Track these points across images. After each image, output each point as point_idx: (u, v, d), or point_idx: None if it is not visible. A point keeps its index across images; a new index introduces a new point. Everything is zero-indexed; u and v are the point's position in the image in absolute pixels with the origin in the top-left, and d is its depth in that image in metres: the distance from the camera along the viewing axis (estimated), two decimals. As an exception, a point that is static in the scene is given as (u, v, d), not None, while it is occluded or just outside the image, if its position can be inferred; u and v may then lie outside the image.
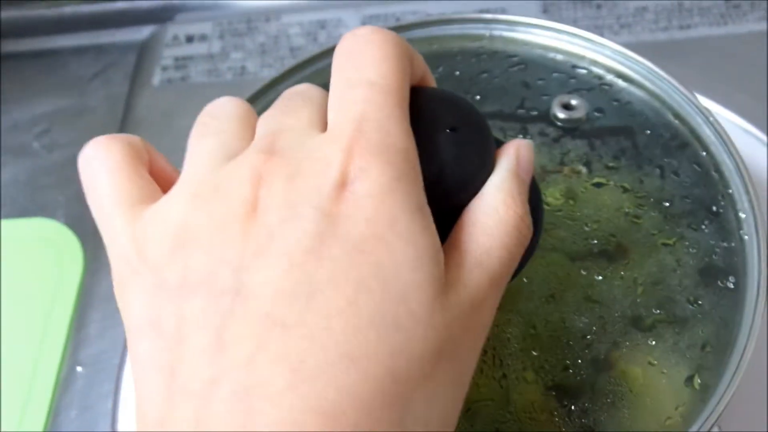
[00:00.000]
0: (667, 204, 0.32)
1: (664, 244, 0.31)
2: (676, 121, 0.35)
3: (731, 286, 0.30)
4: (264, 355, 0.21)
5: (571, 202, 0.33)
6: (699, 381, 0.28)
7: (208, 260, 0.22)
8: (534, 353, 0.29)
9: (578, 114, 0.35)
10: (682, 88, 0.35)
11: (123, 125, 0.56)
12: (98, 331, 0.46)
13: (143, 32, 0.62)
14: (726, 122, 0.34)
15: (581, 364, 0.29)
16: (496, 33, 0.38)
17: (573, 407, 0.28)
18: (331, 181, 0.22)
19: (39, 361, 0.46)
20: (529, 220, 0.25)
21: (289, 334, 0.21)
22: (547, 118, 0.35)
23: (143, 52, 0.61)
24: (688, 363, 0.29)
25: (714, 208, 0.32)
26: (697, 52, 0.54)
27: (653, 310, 0.30)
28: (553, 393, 0.28)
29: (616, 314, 0.30)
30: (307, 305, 0.21)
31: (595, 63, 0.37)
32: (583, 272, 0.31)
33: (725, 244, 0.31)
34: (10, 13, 0.63)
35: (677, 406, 0.28)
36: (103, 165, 0.25)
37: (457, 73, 0.37)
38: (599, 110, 0.35)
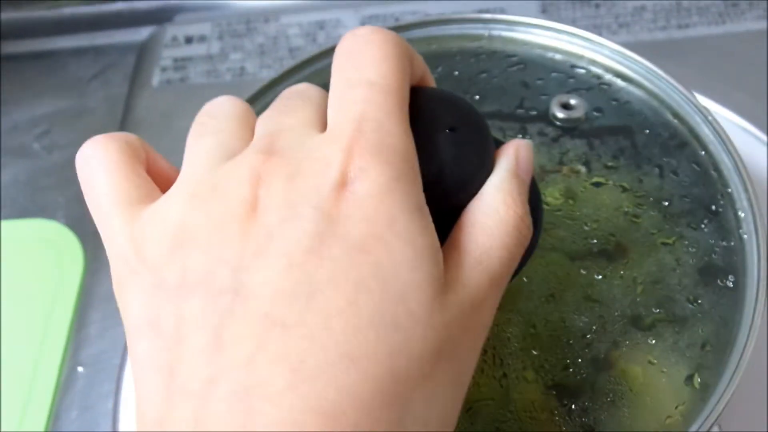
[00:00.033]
0: (667, 203, 0.32)
1: (664, 244, 0.31)
2: (675, 121, 0.35)
3: (731, 285, 0.30)
4: (263, 355, 0.21)
5: (571, 201, 0.33)
6: (699, 380, 0.28)
7: (207, 260, 0.22)
8: (534, 352, 0.29)
9: (577, 113, 0.35)
10: (680, 88, 0.35)
11: (122, 126, 0.56)
12: (99, 332, 0.46)
13: (142, 33, 0.62)
14: (725, 121, 0.34)
15: (581, 364, 0.29)
16: (495, 33, 0.38)
17: (573, 406, 0.28)
18: (330, 181, 0.22)
19: (40, 361, 0.46)
20: (529, 220, 0.25)
21: (289, 334, 0.21)
22: (546, 117, 0.35)
23: (142, 53, 0.61)
24: (688, 362, 0.29)
25: (713, 207, 0.32)
26: (695, 52, 0.54)
27: (653, 310, 0.30)
28: (554, 392, 0.28)
29: (616, 313, 0.30)
30: (307, 305, 0.21)
31: (594, 62, 0.37)
32: (583, 271, 0.31)
33: (725, 243, 0.31)
34: (9, 15, 0.63)
35: (677, 405, 0.28)
36: (100, 164, 0.25)
37: (456, 73, 0.37)
38: (598, 110, 0.35)
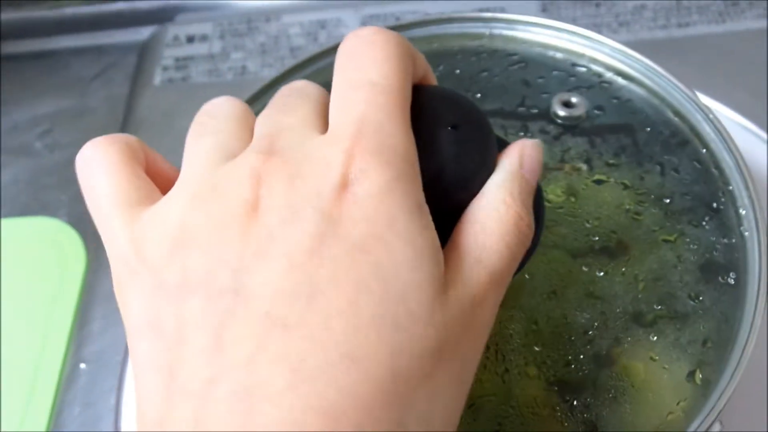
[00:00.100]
0: (668, 201, 0.33)
1: (665, 241, 0.32)
2: (676, 119, 0.35)
3: (732, 282, 0.30)
4: (264, 355, 0.21)
5: (572, 199, 0.33)
6: (700, 376, 0.29)
7: (208, 260, 0.22)
8: (536, 349, 0.29)
9: (578, 112, 0.35)
10: (681, 86, 0.35)
11: (124, 125, 0.56)
12: (101, 329, 0.46)
13: (144, 33, 0.62)
14: (725, 119, 0.34)
15: (583, 360, 0.29)
16: (496, 32, 0.38)
17: (575, 402, 0.28)
18: (331, 182, 0.22)
19: (42, 358, 0.46)
20: (529, 218, 0.25)
21: (290, 334, 0.21)
22: (547, 115, 0.35)
23: (144, 52, 0.61)
24: (689, 358, 0.29)
25: (714, 205, 0.32)
26: (695, 50, 0.54)
27: (654, 306, 0.30)
28: (555, 388, 0.29)
29: (618, 310, 0.30)
30: (308, 305, 0.21)
31: (595, 61, 0.37)
32: (585, 269, 0.31)
33: (726, 241, 0.31)
34: (10, 15, 0.63)
35: (679, 401, 0.28)
36: (100, 166, 0.26)
37: (458, 71, 0.38)
38: (599, 108, 0.36)
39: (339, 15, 0.60)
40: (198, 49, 0.60)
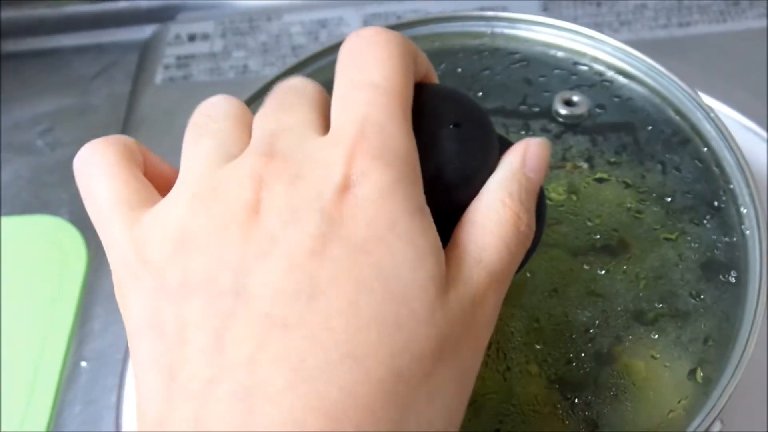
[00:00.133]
0: (669, 199, 0.33)
1: (666, 239, 0.32)
2: (677, 117, 0.35)
3: (733, 280, 0.30)
4: (264, 355, 0.21)
5: (574, 197, 0.33)
6: (701, 374, 0.29)
7: (209, 262, 0.22)
8: (537, 347, 0.29)
9: (580, 110, 0.35)
10: (683, 85, 0.35)
11: (125, 124, 0.56)
12: (102, 327, 0.46)
13: (145, 31, 0.62)
14: (725, 118, 0.35)
15: (584, 358, 0.29)
16: (498, 30, 0.38)
17: (576, 400, 0.28)
18: (333, 184, 0.22)
19: (43, 356, 0.46)
20: (528, 218, 0.25)
21: (290, 334, 0.21)
22: (548, 114, 0.35)
23: (145, 51, 0.61)
24: (690, 357, 0.29)
25: (715, 203, 0.32)
26: (696, 50, 0.54)
27: (655, 305, 0.30)
28: (557, 386, 0.29)
29: (619, 308, 0.30)
30: (308, 306, 0.21)
31: (596, 60, 0.37)
32: (586, 267, 0.31)
33: (727, 239, 0.31)
34: (12, 13, 0.63)
35: (680, 399, 0.28)
36: (99, 169, 0.25)
37: (459, 70, 0.38)
38: (600, 106, 0.36)
39: (340, 14, 0.60)
40: (199, 47, 0.60)
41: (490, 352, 0.29)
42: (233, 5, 0.62)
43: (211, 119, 0.26)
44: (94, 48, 0.63)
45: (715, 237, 0.32)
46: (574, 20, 0.55)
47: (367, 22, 0.59)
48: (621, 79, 0.36)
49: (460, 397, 0.23)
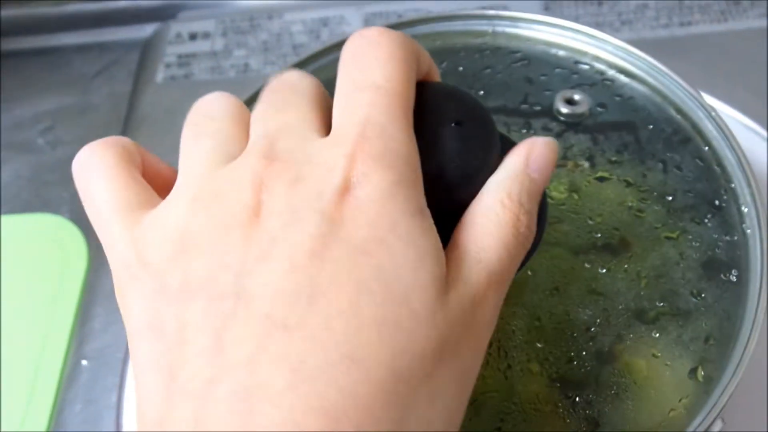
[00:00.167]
0: (670, 198, 0.33)
1: (667, 238, 0.32)
2: (678, 116, 0.35)
3: (734, 279, 0.31)
4: (264, 356, 0.21)
5: (575, 196, 0.33)
6: (702, 373, 0.29)
7: (210, 265, 0.22)
8: (539, 345, 0.29)
9: (581, 109, 0.35)
10: (684, 84, 0.35)
11: (126, 123, 0.56)
12: (103, 326, 0.46)
13: (146, 30, 0.62)
14: (726, 118, 0.34)
15: (585, 356, 0.29)
16: (499, 29, 0.38)
17: (577, 399, 0.28)
18: (333, 186, 0.22)
19: (44, 355, 0.46)
20: (527, 219, 0.25)
21: (290, 335, 0.21)
22: (550, 113, 0.35)
23: (146, 49, 0.61)
24: (691, 355, 0.29)
25: (716, 202, 0.32)
26: (697, 49, 0.54)
27: (657, 303, 0.30)
28: (558, 385, 0.29)
29: (620, 307, 0.30)
30: (309, 306, 0.21)
31: (597, 59, 0.37)
32: (587, 265, 0.31)
33: (728, 238, 0.31)
34: (13, 11, 0.63)
35: (681, 398, 0.28)
36: (98, 171, 0.25)
37: (461, 68, 0.38)
38: (602, 105, 0.36)
39: (341, 12, 0.60)
40: (201, 46, 0.60)
41: (491, 351, 0.29)
42: (234, 4, 0.62)
43: (208, 118, 0.26)
44: (95, 46, 0.63)
45: (716, 236, 0.32)
46: (576, 20, 0.55)
47: (368, 21, 0.59)
48: (622, 78, 0.36)
49: (460, 398, 0.23)
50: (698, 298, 0.30)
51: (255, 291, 0.22)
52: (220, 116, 0.26)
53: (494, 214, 0.24)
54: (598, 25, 0.56)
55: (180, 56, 0.59)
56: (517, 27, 0.38)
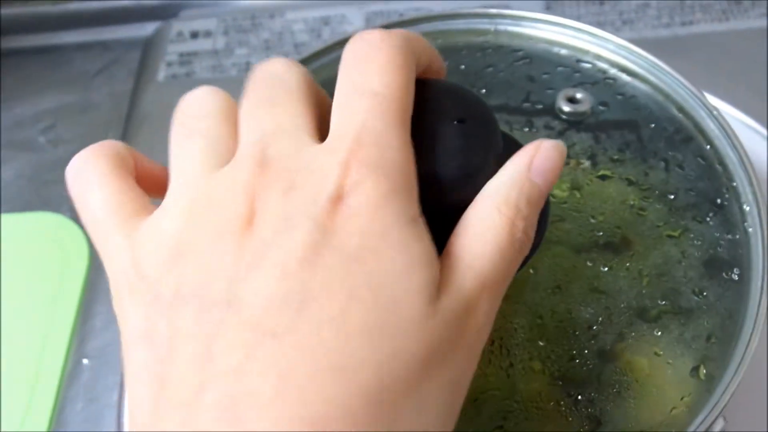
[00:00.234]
0: (672, 196, 0.33)
1: (669, 236, 0.32)
2: (680, 115, 0.35)
3: (736, 278, 0.31)
4: (253, 364, 0.21)
5: (577, 194, 0.33)
6: (704, 372, 0.29)
7: (202, 273, 0.22)
8: (540, 343, 0.29)
9: (583, 107, 0.35)
10: (686, 83, 0.35)
11: (127, 121, 0.56)
12: (104, 324, 0.46)
13: (148, 28, 0.62)
14: (728, 117, 0.34)
15: (587, 355, 0.29)
16: (501, 28, 0.38)
17: (579, 397, 0.28)
18: (326, 194, 0.22)
19: (45, 353, 0.46)
20: (524, 225, 0.24)
21: (279, 342, 0.21)
22: (552, 111, 0.35)
23: (148, 48, 0.61)
24: (693, 354, 0.29)
25: (718, 201, 0.32)
26: (698, 48, 0.54)
27: (658, 302, 0.30)
28: (560, 383, 0.29)
29: (622, 305, 0.30)
30: (298, 313, 0.21)
31: (599, 57, 0.37)
32: (589, 264, 0.31)
33: (730, 237, 0.32)
34: (14, 9, 0.63)
35: (683, 396, 0.28)
36: (93, 178, 0.25)
37: (463, 67, 0.38)
38: (604, 104, 0.36)
39: (343, 11, 0.60)
40: (202, 44, 0.60)
41: (493, 349, 0.29)
42: (236, 3, 0.62)
43: (197, 117, 0.26)
44: (96, 45, 0.63)
45: (718, 234, 0.32)
46: (577, 19, 0.55)
47: (369, 20, 0.59)
48: (624, 76, 0.36)
49: (452, 404, 0.23)
50: (700, 296, 0.30)
51: (246, 298, 0.21)
52: (208, 114, 0.25)
53: (490, 219, 0.24)
54: (599, 25, 0.56)
55: (181, 55, 0.59)
56: (519, 26, 0.38)
